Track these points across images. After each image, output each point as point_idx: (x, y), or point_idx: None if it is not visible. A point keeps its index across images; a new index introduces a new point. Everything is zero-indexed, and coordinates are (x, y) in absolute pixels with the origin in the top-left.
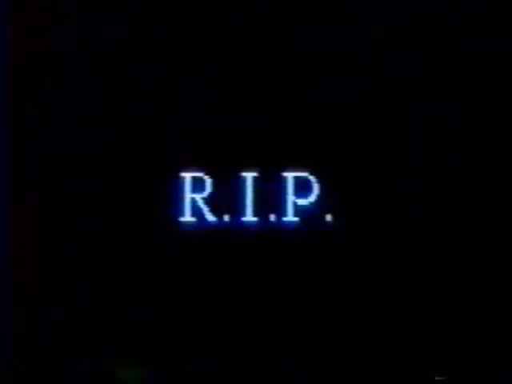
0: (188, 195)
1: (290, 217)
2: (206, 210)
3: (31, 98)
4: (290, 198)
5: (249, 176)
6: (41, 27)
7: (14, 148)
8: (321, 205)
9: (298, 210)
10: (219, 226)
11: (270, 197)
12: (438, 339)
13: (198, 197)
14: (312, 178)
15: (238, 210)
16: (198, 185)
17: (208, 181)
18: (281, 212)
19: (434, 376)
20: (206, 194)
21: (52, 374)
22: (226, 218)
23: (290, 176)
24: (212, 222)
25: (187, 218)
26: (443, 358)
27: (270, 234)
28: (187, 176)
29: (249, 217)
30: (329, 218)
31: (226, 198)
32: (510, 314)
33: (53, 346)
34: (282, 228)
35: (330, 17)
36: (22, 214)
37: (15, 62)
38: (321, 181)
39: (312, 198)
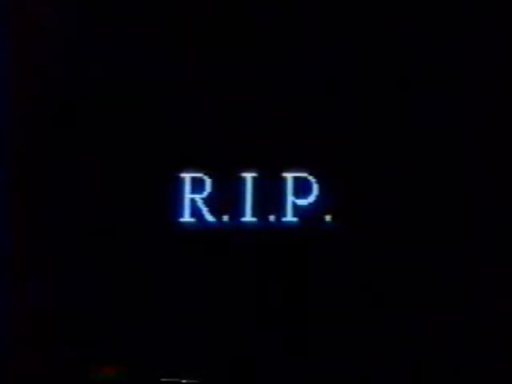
0: (187, 196)
1: (290, 217)
2: (205, 210)
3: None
4: (290, 198)
5: (248, 176)
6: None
7: (14, 149)
8: (320, 205)
9: (298, 211)
10: (219, 227)
11: (269, 197)
12: (439, 337)
13: (198, 197)
14: (311, 179)
15: (237, 210)
16: (197, 185)
17: (207, 181)
18: (280, 212)
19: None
20: (205, 194)
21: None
22: (226, 218)
23: (289, 176)
24: (211, 222)
25: (187, 218)
26: (445, 358)
27: (269, 234)
28: (187, 176)
29: (248, 217)
30: (328, 218)
31: (225, 198)
32: None
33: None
34: (282, 228)
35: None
36: (23, 212)
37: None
38: (320, 181)
39: (311, 198)
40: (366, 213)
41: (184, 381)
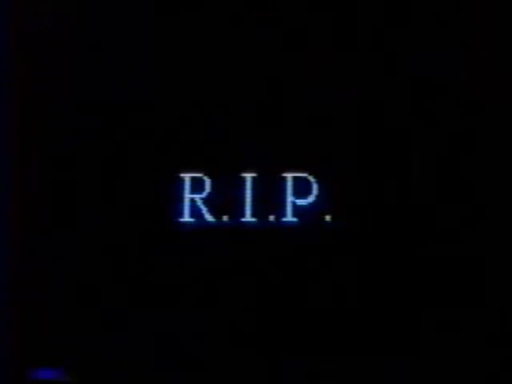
0: (187, 195)
1: (290, 217)
2: (204, 210)
3: (31, 95)
4: (289, 198)
5: (248, 176)
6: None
7: (14, 147)
8: (320, 205)
9: (297, 211)
10: (218, 227)
11: (269, 197)
12: (438, 339)
13: (197, 197)
14: (311, 179)
15: (237, 210)
16: (196, 185)
17: (207, 181)
18: (280, 212)
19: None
20: (205, 194)
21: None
22: (225, 218)
23: (289, 176)
24: (211, 222)
25: (186, 218)
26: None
27: (269, 235)
28: (186, 176)
29: (248, 217)
30: (328, 218)
31: (225, 198)
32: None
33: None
34: (281, 228)
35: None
36: (22, 210)
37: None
38: (320, 181)
39: (311, 198)
40: (366, 213)
41: None
